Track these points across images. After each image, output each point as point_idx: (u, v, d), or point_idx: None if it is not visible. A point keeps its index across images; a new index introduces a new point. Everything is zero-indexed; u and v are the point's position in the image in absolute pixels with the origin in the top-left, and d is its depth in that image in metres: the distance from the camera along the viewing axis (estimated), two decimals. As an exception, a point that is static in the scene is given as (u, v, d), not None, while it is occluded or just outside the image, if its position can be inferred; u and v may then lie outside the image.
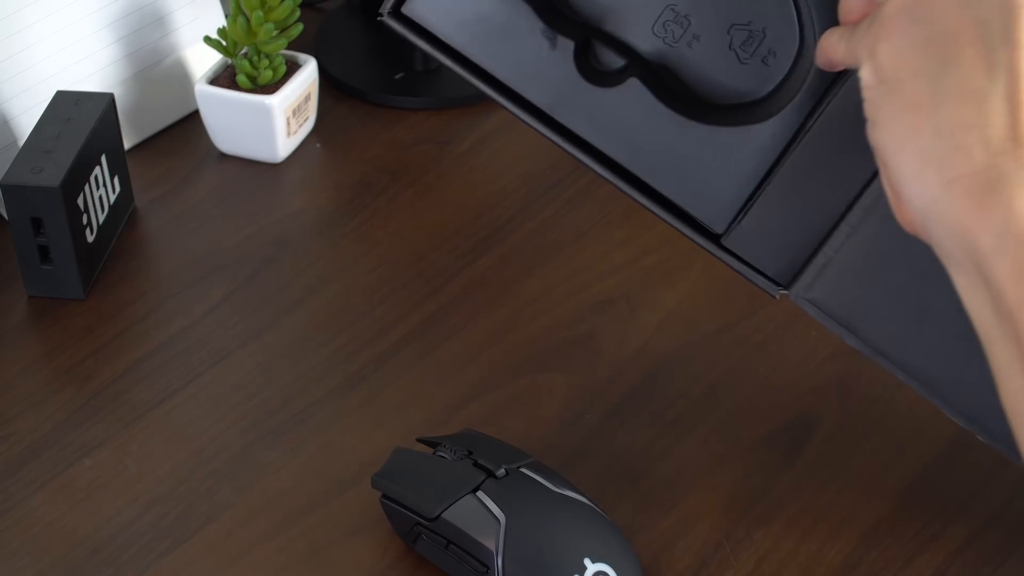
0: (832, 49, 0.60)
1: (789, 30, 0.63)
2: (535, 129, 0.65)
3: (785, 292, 0.66)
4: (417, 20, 0.64)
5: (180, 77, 0.95)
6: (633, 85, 0.64)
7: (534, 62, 0.64)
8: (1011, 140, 0.52)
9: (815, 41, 0.62)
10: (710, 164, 0.64)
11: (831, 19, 0.61)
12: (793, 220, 0.64)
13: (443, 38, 0.64)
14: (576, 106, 0.64)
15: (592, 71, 0.64)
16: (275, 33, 0.90)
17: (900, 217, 0.56)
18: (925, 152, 0.53)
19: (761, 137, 0.63)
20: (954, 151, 0.52)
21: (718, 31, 0.64)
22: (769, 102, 0.64)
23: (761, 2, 0.63)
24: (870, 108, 0.56)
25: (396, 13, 0.64)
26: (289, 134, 0.92)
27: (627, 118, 0.64)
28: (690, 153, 0.64)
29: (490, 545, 0.64)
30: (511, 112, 0.64)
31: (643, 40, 0.64)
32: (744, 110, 0.64)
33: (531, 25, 0.64)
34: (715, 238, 0.65)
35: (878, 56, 0.55)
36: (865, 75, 0.56)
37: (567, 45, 0.64)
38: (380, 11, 0.64)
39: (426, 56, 0.99)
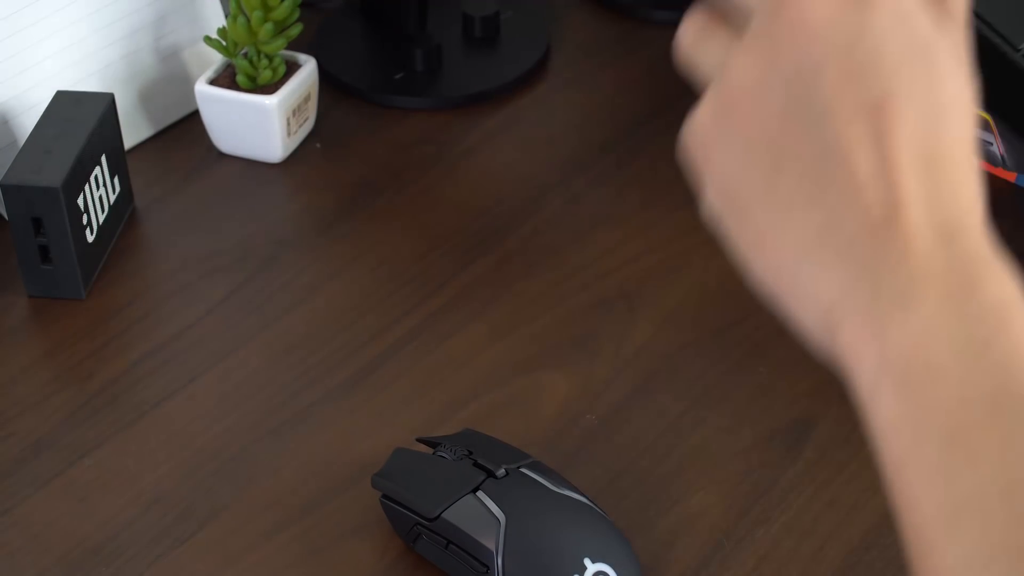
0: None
1: None
2: None
3: None
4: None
5: (180, 77, 0.95)
6: None
7: None
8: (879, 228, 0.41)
9: None
10: None
11: None
12: None
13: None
14: None
15: None
16: (275, 33, 0.90)
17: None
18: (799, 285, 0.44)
19: None
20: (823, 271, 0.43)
21: None
22: None
23: None
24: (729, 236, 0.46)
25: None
26: (289, 134, 0.92)
27: None
28: None
29: (490, 545, 0.64)
30: None
31: None
32: None
33: None
34: None
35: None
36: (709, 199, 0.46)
37: None
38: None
39: (426, 56, 0.99)
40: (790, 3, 0.42)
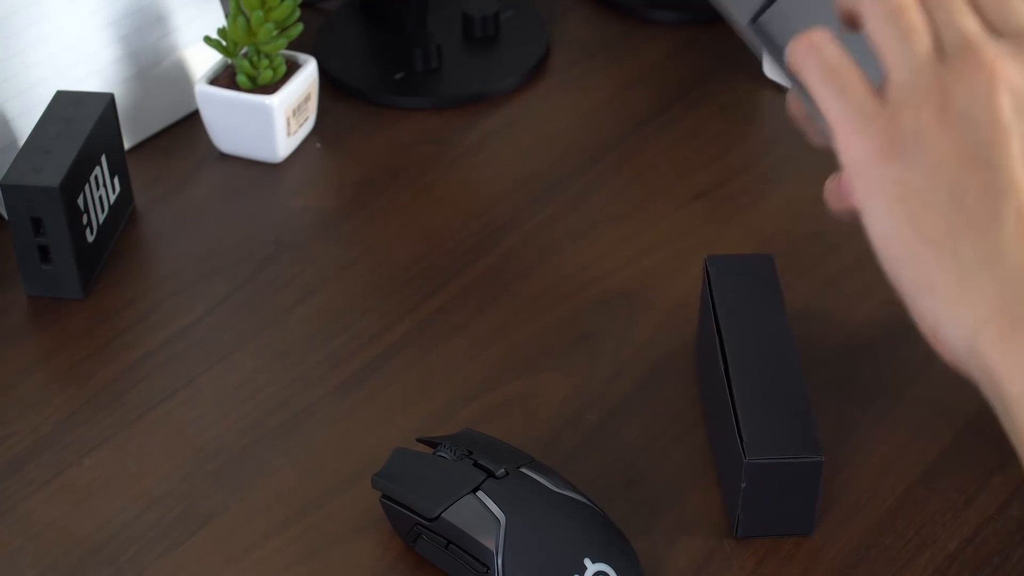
0: (836, 193, 0.56)
1: None
2: None
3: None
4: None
5: (180, 77, 0.95)
6: None
7: None
8: None
9: None
10: None
11: None
12: None
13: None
14: None
15: None
16: (275, 33, 0.90)
17: (939, 351, 0.53)
18: (951, 293, 0.50)
19: None
20: (979, 287, 0.50)
21: None
22: None
23: None
24: (882, 245, 0.52)
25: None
26: (289, 134, 0.92)
27: None
28: None
29: (490, 545, 0.64)
30: None
31: None
32: None
33: None
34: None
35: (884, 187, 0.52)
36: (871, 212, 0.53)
37: None
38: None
39: (426, 56, 0.99)
40: (975, 54, 0.50)
